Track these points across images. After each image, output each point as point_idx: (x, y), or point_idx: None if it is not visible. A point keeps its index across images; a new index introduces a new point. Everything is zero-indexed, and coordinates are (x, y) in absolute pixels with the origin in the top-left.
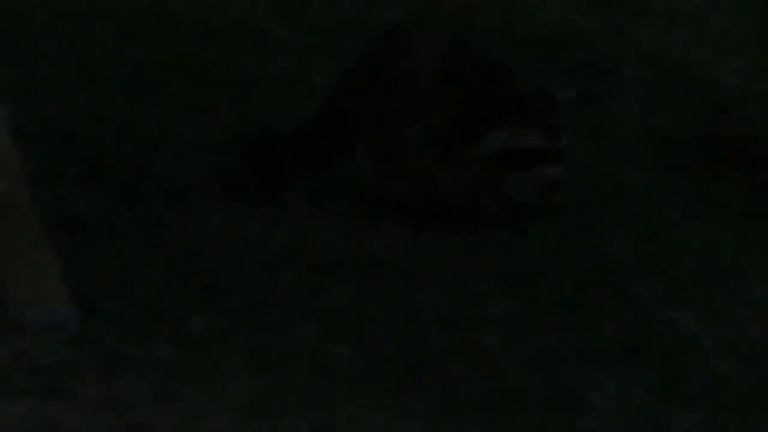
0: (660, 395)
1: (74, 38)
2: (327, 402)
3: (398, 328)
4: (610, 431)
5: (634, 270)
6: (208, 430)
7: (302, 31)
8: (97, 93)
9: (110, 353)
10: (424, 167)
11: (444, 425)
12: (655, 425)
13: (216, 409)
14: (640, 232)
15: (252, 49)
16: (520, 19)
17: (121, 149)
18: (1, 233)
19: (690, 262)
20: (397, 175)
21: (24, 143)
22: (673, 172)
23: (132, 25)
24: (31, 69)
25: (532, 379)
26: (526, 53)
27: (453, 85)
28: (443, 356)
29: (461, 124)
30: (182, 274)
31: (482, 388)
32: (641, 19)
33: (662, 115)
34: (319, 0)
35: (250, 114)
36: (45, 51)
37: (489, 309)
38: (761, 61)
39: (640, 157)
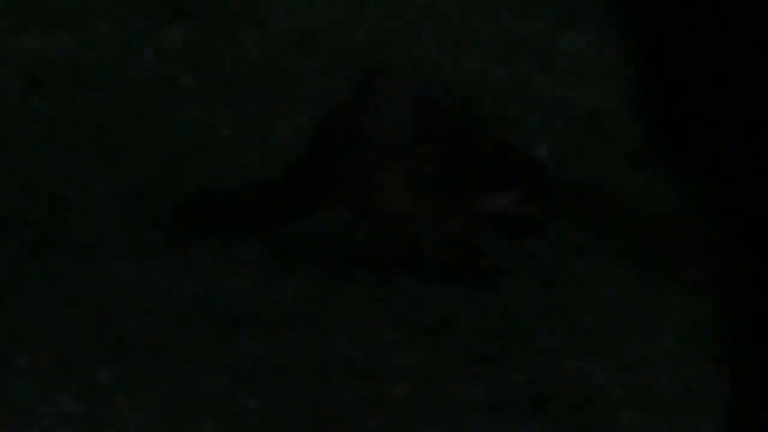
0: None
1: None
2: None
3: (308, 380)
4: None
5: (541, 320)
6: None
7: (210, 82)
8: (2, 147)
9: (17, 408)
10: (403, 212)
11: None
12: None
13: None
14: (545, 283)
15: (159, 99)
16: (428, 70)
17: (27, 203)
18: None
19: (597, 313)
20: (374, 223)
21: None
22: (578, 222)
23: (39, 78)
24: None
25: (441, 431)
26: None
27: (434, 132)
28: (353, 408)
29: (456, 176)
30: (90, 328)
31: None
32: (548, 70)
33: (570, 164)
34: (226, 51)
35: (160, 165)
36: None
37: (398, 360)
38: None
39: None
